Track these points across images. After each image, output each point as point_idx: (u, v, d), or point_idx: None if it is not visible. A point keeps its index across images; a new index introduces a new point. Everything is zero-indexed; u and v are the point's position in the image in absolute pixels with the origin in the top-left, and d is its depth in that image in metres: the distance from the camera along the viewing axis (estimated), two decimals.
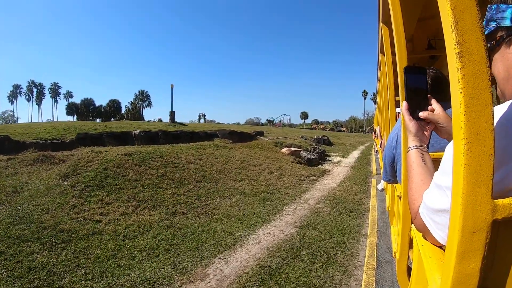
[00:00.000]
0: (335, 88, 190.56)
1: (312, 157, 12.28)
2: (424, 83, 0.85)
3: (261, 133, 17.14)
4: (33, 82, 73.87)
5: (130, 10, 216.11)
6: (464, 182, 0.49)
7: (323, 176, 9.97)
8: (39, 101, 74.91)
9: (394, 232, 2.63)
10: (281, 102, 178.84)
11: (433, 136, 1.53)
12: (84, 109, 72.42)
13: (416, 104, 0.84)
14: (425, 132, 0.87)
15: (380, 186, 6.62)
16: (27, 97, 73.65)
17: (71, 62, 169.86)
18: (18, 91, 73.08)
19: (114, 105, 73.37)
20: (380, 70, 4.56)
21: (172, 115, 18.58)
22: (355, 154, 18.11)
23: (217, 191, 6.95)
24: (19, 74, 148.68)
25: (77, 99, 76.20)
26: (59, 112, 78.06)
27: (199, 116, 59.40)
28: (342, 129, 61.76)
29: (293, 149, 12.33)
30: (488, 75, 0.49)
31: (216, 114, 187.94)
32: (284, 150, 12.26)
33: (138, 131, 10.81)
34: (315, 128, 57.68)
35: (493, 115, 0.48)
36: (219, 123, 54.71)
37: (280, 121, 73.70)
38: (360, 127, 76.41)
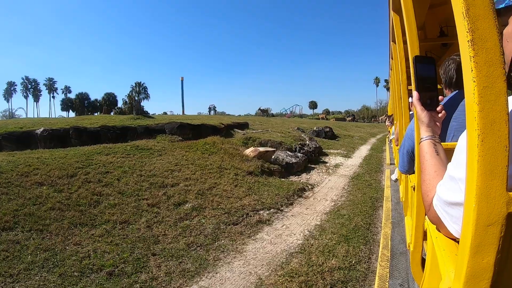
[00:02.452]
0: (347, 77, 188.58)
1: (294, 160, 8.68)
2: (433, 72, 0.84)
3: (243, 126, 14.45)
4: (27, 78, 73.46)
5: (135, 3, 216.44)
6: (478, 174, 0.48)
7: (291, 205, 5.64)
8: (36, 98, 74.73)
9: (408, 224, 2.61)
10: (294, 93, 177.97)
11: (455, 124, 1.49)
12: (78, 104, 71.36)
13: (427, 93, 0.83)
14: (436, 123, 0.85)
15: (394, 176, 6.55)
16: (24, 94, 73.33)
17: (68, 57, 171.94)
18: (12, 88, 72.76)
19: (110, 98, 71.62)
20: (392, 59, 4.49)
21: (137, 106, 16.78)
22: (363, 150, 14.24)
23: None
24: (14, 71, 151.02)
25: (75, 94, 75.50)
26: (57, 108, 75.63)
27: (209, 108, 59.46)
28: (348, 119, 58.58)
29: (261, 149, 8.46)
30: (502, 63, 0.47)
31: (227, 106, 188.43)
32: (249, 151, 8.35)
33: (41, 129, 8.64)
34: (323, 118, 56.11)
35: (507, 105, 0.47)
36: (229, 114, 54.77)
37: (291, 111, 73.08)
38: (373, 116, 75.02)
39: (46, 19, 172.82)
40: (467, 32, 0.47)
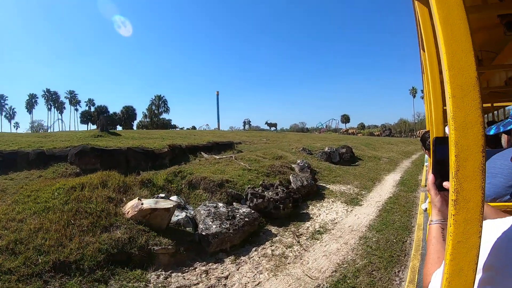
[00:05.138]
0: (385, 89, 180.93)
1: (215, 228, 4.86)
2: (448, 153, 0.87)
3: (224, 146, 11.25)
4: (48, 91, 75.36)
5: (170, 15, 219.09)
6: None
7: None
8: (60, 110, 76.82)
9: None
10: (330, 107, 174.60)
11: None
12: (96, 117, 70.51)
13: (442, 175, 0.85)
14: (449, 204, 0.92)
15: (424, 206, 6.27)
16: (49, 106, 75.58)
17: (89, 70, 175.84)
18: (34, 100, 74.87)
19: (128, 112, 72.00)
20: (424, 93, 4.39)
21: (102, 121, 14.18)
22: (386, 186, 9.64)
23: None
24: (35, 83, 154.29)
25: (94, 108, 75.77)
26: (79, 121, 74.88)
27: (244, 123, 59.86)
28: (376, 133, 55.66)
29: (146, 206, 4.71)
30: (480, 221, 0.56)
31: (263, 120, 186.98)
32: (129, 207, 4.95)
33: None
34: (352, 133, 53.66)
35: (478, 257, 0.56)
36: (262, 129, 54.72)
37: (327, 126, 72.48)
38: (410, 130, 71.89)
39: (71, 30, 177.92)
40: (453, 192, 0.55)
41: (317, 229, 5.80)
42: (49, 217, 4.43)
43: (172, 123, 71.23)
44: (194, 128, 52.84)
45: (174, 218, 5.11)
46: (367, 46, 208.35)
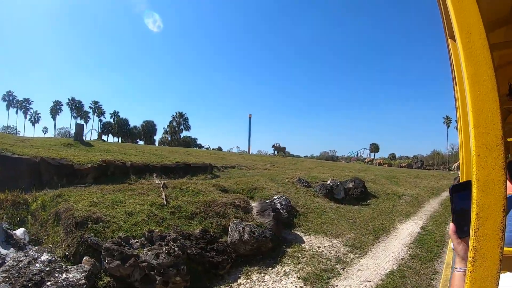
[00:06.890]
0: (417, 119, 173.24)
1: None
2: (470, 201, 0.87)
3: (199, 169, 10.11)
4: (73, 99, 76.23)
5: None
6: None
7: None
8: (85, 120, 77.22)
9: None
10: (362, 135, 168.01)
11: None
12: (116, 130, 71.90)
13: (464, 222, 0.82)
14: None
15: (452, 244, 5.86)
16: (74, 115, 76.40)
17: (119, 84, 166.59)
18: (58, 107, 75.75)
19: (148, 126, 72.47)
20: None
21: (78, 129, 13.59)
22: (396, 243, 6.52)
23: None
24: (61, 90, 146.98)
25: (115, 120, 76.18)
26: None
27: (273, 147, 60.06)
28: (403, 164, 53.88)
29: None
30: (496, 280, 0.58)
31: (293, 146, 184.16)
32: None
33: None
34: (379, 164, 52.21)
35: None
36: (292, 155, 54.21)
37: (358, 155, 72.38)
38: (443, 163, 68.82)
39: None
40: (471, 249, 0.56)
41: None
42: None
43: (197, 142, 70.68)
44: (220, 149, 52.67)
45: None
46: (401, 74, 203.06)
